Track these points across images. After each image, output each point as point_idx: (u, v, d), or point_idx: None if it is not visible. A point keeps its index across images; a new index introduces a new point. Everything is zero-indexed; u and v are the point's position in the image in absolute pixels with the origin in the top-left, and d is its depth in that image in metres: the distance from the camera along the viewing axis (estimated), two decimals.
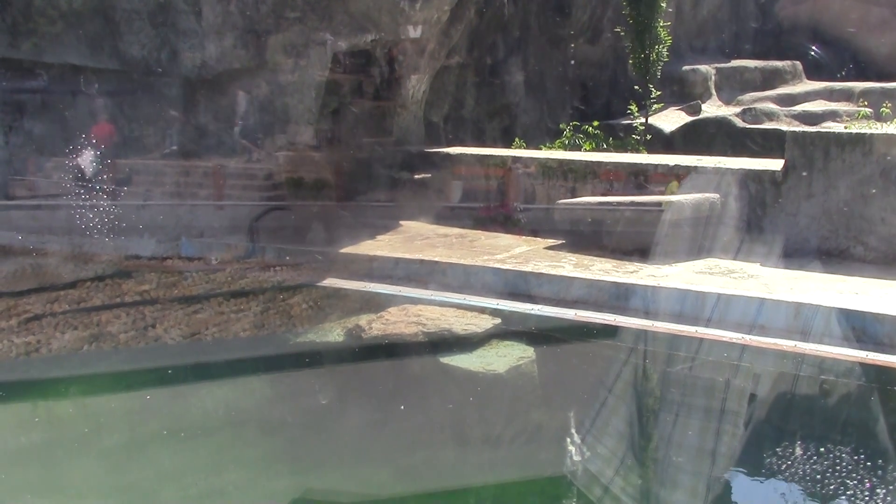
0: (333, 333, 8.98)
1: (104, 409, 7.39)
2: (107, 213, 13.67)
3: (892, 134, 11.05)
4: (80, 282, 10.72)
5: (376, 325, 8.78)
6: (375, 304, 9.67)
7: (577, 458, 6.32)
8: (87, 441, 6.72)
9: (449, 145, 17.53)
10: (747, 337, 8.27)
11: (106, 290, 10.45)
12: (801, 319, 8.37)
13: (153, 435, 6.84)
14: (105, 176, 15.27)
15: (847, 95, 20.61)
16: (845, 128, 13.73)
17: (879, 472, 6.13)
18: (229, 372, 8.14)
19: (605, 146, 17.39)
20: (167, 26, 15.02)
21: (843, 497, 5.69)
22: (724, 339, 8.30)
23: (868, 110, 17.73)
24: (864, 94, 19.95)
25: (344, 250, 11.65)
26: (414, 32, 16.26)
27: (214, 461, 6.42)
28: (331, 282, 10.67)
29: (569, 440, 6.59)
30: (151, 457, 6.49)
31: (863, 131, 11.54)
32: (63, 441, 6.79)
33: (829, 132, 11.65)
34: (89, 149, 15.30)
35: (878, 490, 5.79)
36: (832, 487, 5.73)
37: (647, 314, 9.02)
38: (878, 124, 14.88)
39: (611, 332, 8.73)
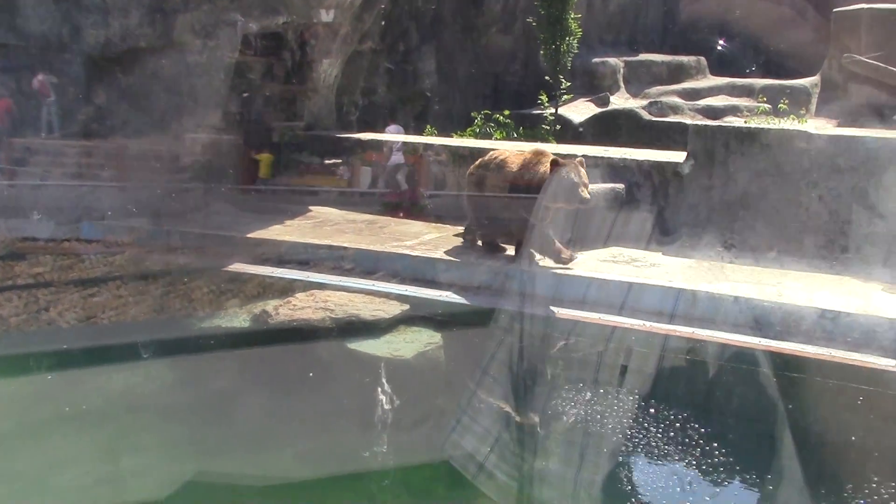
0: (239, 318, 8.86)
1: None
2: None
3: (788, 129, 11.48)
4: None
5: (283, 311, 8.69)
6: (282, 289, 9.57)
7: (478, 441, 6.40)
8: None
9: (360, 131, 17.47)
10: (647, 323, 8.50)
11: None
12: (699, 306, 8.65)
13: (44, 421, 6.63)
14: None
15: (748, 91, 21.27)
16: (745, 122, 14.19)
17: (771, 452, 6.39)
18: (127, 356, 7.91)
19: (515, 135, 17.56)
20: (69, 1, 14.49)
21: (736, 479, 5.91)
22: (625, 324, 8.51)
23: (767, 106, 18.34)
24: (764, 90, 20.62)
25: (251, 235, 11.49)
26: (326, 16, 16.12)
27: (110, 447, 6.27)
28: (237, 266, 10.51)
29: (472, 424, 6.67)
30: (43, 443, 6.29)
31: (760, 126, 11.96)
32: None
33: (729, 126, 12.04)
34: None
35: (768, 470, 6.04)
36: (721, 469, 5.94)
37: (550, 300, 9.18)
38: (776, 120, 15.43)
39: (515, 317, 8.84)
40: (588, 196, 9.50)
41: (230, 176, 15.01)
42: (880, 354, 7.66)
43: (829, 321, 8.11)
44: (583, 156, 12.41)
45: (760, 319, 8.36)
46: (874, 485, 5.50)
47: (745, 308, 8.46)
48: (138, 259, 10.92)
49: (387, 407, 7.28)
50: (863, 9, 19.74)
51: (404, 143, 15.23)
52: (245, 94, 15.95)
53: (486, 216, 10.58)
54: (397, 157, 14.97)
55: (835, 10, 20.81)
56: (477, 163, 10.92)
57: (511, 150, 10.89)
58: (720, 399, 7.84)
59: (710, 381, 8.00)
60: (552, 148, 13.99)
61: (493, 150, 11.33)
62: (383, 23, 19.10)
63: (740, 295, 8.62)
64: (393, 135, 16.00)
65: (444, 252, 10.38)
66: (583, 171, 9.64)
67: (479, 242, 10.86)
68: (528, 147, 11.32)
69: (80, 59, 14.85)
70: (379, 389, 7.55)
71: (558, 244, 9.85)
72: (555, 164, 9.64)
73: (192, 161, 14.54)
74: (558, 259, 9.80)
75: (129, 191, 13.56)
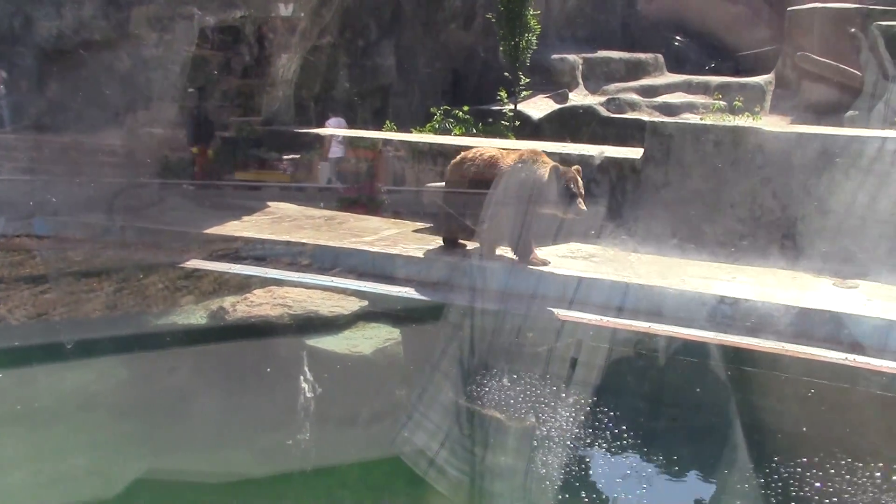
0: (196, 315, 8.76)
1: None
2: None
3: (743, 126, 11.64)
4: None
5: (241, 307, 8.61)
6: (240, 285, 9.48)
7: (436, 436, 6.41)
8: None
9: (319, 126, 17.38)
10: (605, 318, 8.57)
11: None
12: (657, 302, 8.74)
13: None
14: None
15: (704, 88, 21.60)
16: (701, 119, 14.37)
17: (719, 445, 6.49)
18: (79, 354, 7.79)
19: (474, 131, 17.62)
20: None
21: (690, 472, 6.00)
22: (584, 320, 8.57)
23: (723, 103, 18.63)
24: (720, 87, 20.96)
25: (208, 230, 11.37)
26: (285, 10, 16.02)
27: (62, 446, 6.17)
28: (193, 262, 10.40)
29: (429, 420, 6.67)
30: None
31: (716, 123, 12.12)
32: None
33: (686, 123, 12.18)
34: None
35: (718, 461, 6.14)
36: (677, 462, 6.02)
37: (510, 296, 9.21)
38: (731, 117, 15.66)
39: (474, 313, 8.86)
40: (585, 209, 9.27)
41: (186, 171, 14.85)
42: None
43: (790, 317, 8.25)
44: (542, 151, 12.53)
45: (714, 311, 8.49)
46: (819, 471, 5.60)
47: (696, 300, 8.59)
48: (91, 255, 10.76)
49: (346, 403, 7.26)
50: (816, 8, 20.10)
51: (345, 137, 15.16)
52: (191, 90, 15.76)
53: (462, 213, 10.16)
54: (337, 150, 14.89)
55: (789, 8, 21.17)
56: (458, 158, 10.48)
57: (496, 148, 10.59)
58: (674, 393, 7.93)
59: (663, 374, 8.10)
60: (513, 144, 14.06)
61: (462, 146, 11.25)
62: (342, 18, 19.03)
63: (693, 290, 8.73)
64: (333, 128, 15.95)
65: (424, 253, 10.29)
66: (580, 180, 9.42)
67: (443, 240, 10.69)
68: (514, 145, 11.17)
69: (32, 51, 14.57)
70: (338, 386, 7.52)
71: (535, 250, 9.77)
72: (555, 169, 9.37)
73: (147, 156, 14.35)
74: (530, 264, 9.64)
75: (82, 186, 13.34)
